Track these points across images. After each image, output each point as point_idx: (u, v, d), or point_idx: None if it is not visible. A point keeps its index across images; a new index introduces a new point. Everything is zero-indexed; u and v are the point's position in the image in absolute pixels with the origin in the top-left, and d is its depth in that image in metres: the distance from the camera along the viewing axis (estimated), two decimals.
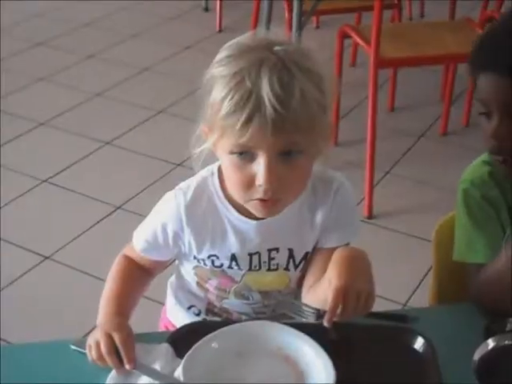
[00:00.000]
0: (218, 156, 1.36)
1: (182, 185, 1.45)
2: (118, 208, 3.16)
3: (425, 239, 2.90)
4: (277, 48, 1.26)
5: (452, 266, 1.60)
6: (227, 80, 1.25)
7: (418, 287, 2.71)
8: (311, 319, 1.30)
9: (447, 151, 3.63)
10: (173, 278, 1.62)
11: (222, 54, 1.31)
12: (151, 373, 1.28)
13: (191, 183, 1.44)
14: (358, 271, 1.28)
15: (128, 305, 1.47)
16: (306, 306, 1.33)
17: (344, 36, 3.40)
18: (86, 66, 4.42)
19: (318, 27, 4.79)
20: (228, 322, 1.42)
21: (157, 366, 1.29)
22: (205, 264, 1.47)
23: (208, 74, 1.31)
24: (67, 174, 3.41)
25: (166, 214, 1.44)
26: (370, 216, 3.09)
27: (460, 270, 1.54)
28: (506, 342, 1.12)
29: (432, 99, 4.02)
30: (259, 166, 1.27)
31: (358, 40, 3.24)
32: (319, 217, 1.44)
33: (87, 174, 3.43)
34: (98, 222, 3.07)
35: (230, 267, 1.46)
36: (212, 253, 1.45)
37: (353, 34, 3.31)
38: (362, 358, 1.27)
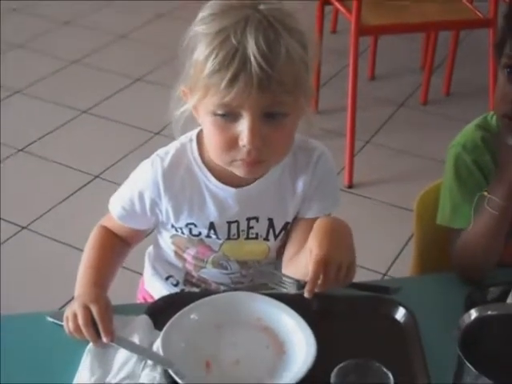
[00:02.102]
0: (200, 118, 1.33)
1: (160, 151, 1.42)
2: (96, 177, 3.12)
3: (405, 208, 2.90)
4: (261, 6, 1.23)
5: (433, 236, 1.60)
6: (211, 38, 1.22)
7: (398, 257, 2.71)
8: (292, 290, 1.29)
9: (427, 120, 3.62)
10: (150, 249, 1.60)
11: (204, 11, 1.28)
12: (129, 346, 1.26)
13: (169, 150, 1.41)
14: (339, 241, 1.27)
15: (106, 275, 1.45)
16: (287, 276, 1.32)
17: (325, 2, 3.36)
18: (62, 32, 4.36)
19: None
20: (206, 292, 1.40)
21: (135, 339, 1.27)
22: (182, 233, 1.45)
23: (190, 32, 1.28)
24: (43, 142, 3.37)
25: (143, 180, 1.42)
26: (351, 185, 3.08)
27: (441, 239, 1.53)
28: (489, 313, 1.11)
29: (412, 68, 4.00)
30: (243, 126, 1.24)
31: (339, 7, 3.20)
32: (300, 186, 1.42)
33: (64, 142, 3.39)
34: (76, 192, 3.03)
35: (208, 236, 1.44)
36: (190, 221, 1.43)
37: (334, 1, 3.26)
38: (343, 329, 1.26)
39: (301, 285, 1.27)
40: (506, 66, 1.37)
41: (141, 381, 1.19)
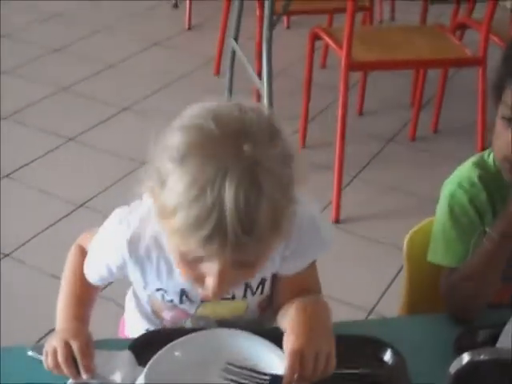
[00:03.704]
0: (163, 229, 1.19)
1: (127, 215, 1.33)
2: (80, 206, 3.09)
3: (392, 245, 2.89)
4: (246, 147, 1.08)
5: (424, 274, 1.59)
6: (185, 185, 1.07)
7: (384, 293, 2.68)
8: None
9: (416, 157, 3.61)
10: (131, 293, 1.53)
11: (181, 135, 1.11)
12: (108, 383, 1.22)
13: (135, 215, 1.31)
14: (315, 330, 1.24)
15: (86, 308, 1.41)
16: (259, 372, 1.23)
17: (315, 38, 3.37)
18: (51, 59, 4.33)
19: (288, 27, 4.76)
20: (192, 329, 1.36)
21: (117, 375, 1.24)
22: (156, 297, 1.40)
23: (164, 150, 1.12)
24: (28, 169, 3.34)
25: (108, 252, 1.35)
26: (338, 220, 3.06)
27: (432, 277, 1.51)
28: (482, 357, 1.09)
29: (401, 104, 4.01)
30: (209, 272, 1.14)
31: (330, 42, 3.20)
32: (278, 251, 1.30)
33: (48, 170, 3.35)
34: (59, 220, 3.00)
35: (181, 302, 1.38)
36: (159, 287, 1.37)
37: (324, 36, 3.27)
38: None
39: (277, 380, 1.20)
40: (507, 118, 1.36)
41: None
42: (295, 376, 1.18)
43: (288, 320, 1.26)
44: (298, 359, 1.18)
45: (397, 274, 2.72)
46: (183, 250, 1.14)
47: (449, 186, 1.49)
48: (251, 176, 1.06)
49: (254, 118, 1.12)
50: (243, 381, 1.22)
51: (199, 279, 1.19)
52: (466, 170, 1.49)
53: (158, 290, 1.37)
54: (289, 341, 1.22)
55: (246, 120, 1.11)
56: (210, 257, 1.12)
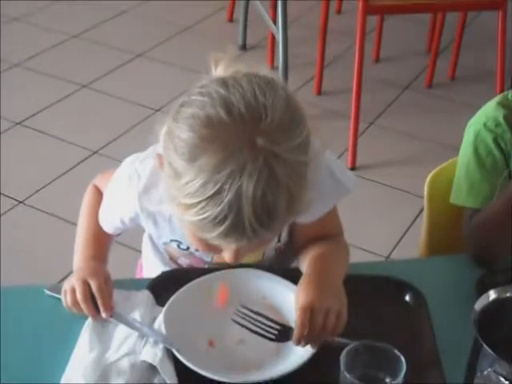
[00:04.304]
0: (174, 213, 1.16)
1: (138, 167, 1.29)
2: (95, 153, 3.07)
3: (408, 192, 2.87)
4: (260, 142, 1.01)
5: (444, 217, 1.56)
6: (200, 185, 1.02)
7: (401, 240, 2.67)
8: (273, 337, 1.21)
9: (432, 104, 3.57)
10: (147, 237, 1.49)
11: (190, 128, 1.04)
12: (128, 322, 1.22)
13: (147, 166, 1.27)
14: (326, 288, 1.22)
15: (104, 247, 1.41)
16: (272, 320, 1.23)
17: None
18: (63, 6, 4.28)
19: None
20: (212, 269, 1.35)
21: (136, 314, 1.23)
22: (171, 246, 1.38)
23: (173, 140, 1.06)
24: (42, 116, 3.31)
25: (120, 205, 1.33)
26: (354, 167, 3.03)
27: (453, 220, 1.49)
28: (508, 295, 1.07)
29: (418, 50, 3.95)
30: (226, 248, 1.12)
31: None
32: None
33: (63, 117, 3.33)
34: (75, 167, 2.99)
35: (196, 250, 1.35)
36: (173, 238, 1.35)
37: None
38: (351, 310, 1.21)
39: (286, 333, 1.20)
40: None
41: (141, 358, 1.16)
42: (305, 332, 1.16)
43: (301, 279, 1.25)
44: (308, 315, 1.17)
45: (413, 221, 2.70)
46: (199, 236, 1.10)
47: (473, 126, 1.46)
48: (269, 171, 1.01)
49: (269, 104, 1.04)
50: (254, 327, 1.21)
51: (215, 251, 1.17)
52: (490, 109, 1.46)
53: (172, 240, 1.36)
54: (299, 297, 1.20)
55: (261, 106, 1.03)
56: (225, 244, 1.10)
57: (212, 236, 1.06)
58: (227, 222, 1.02)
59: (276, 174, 1.02)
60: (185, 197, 1.04)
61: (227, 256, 1.14)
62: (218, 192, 1.01)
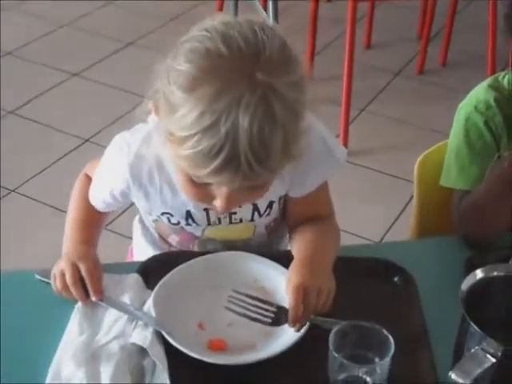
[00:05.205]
0: (169, 156, 1.16)
1: (128, 138, 1.29)
2: (86, 141, 3.07)
3: (399, 177, 2.88)
4: (259, 76, 1.02)
5: (434, 199, 1.57)
6: (197, 115, 1.02)
7: (392, 226, 2.67)
8: (269, 320, 1.20)
9: (423, 90, 3.57)
10: (137, 221, 1.53)
11: (190, 60, 1.05)
12: (118, 306, 1.22)
13: (137, 136, 1.28)
14: (317, 269, 1.23)
15: (94, 231, 1.41)
16: (267, 302, 1.22)
17: None
18: None
19: None
20: (201, 252, 1.35)
21: (126, 298, 1.23)
22: (162, 220, 1.38)
23: (171, 73, 1.07)
24: (33, 105, 3.31)
25: (111, 177, 1.33)
26: None
27: (442, 202, 1.49)
28: (496, 273, 1.07)
29: (409, 37, 3.95)
30: (218, 193, 1.13)
31: None
32: (287, 171, 1.24)
33: (54, 105, 3.33)
34: (66, 155, 2.99)
35: (187, 224, 1.36)
36: (164, 210, 1.34)
37: None
38: (340, 290, 1.22)
39: (281, 315, 1.19)
40: None
41: (131, 340, 1.16)
42: (300, 312, 1.16)
43: (293, 261, 1.26)
44: (301, 295, 1.17)
45: (405, 206, 2.71)
46: (192, 173, 1.11)
47: (464, 109, 1.46)
48: (265, 105, 1.02)
49: (267, 41, 1.05)
50: (249, 313, 1.21)
51: (206, 199, 1.17)
52: (481, 92, 1.46)
53: (163, 213, 1.35)
54: (291, 277, 1.21)
55: (259, 43, 1.05)
56: (220, 183, 1.10)
57: (207, 172, 1.05)
58: (222, 155, 1.02)
59: (273, 109, 1.02)
60: (181, 130, 1.04)
61: (219, 203, 1.13)
62: (215, 123, 1.01)
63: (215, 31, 1.06)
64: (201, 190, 1.15)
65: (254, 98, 1.01)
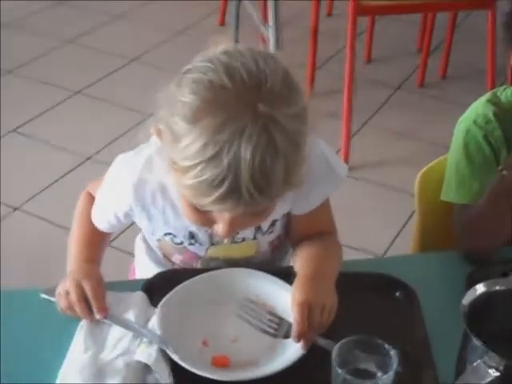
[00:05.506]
0: (172, 177, 1.15)
1: (131, 159, 1.31)
2: (88, 159, 3.09)
3: (402, 190, 2.88)
4: (261, 108, 1.04)
5: (435, 214, 1.57)
6: (200, 146, 1.03)
7: (394, 239, 2.68)
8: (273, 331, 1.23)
9: (424, 103, 3.59)
10: (140, 239, 1.53)
11: (194, 91, 1.06)
12: (122, 323, 1.23)
13: (140, 158, 1.28)
14: (320, 286, 1.24)
15: (97, 250, 1.41)
16: (272, 315, 1.25)
17: None
18: (56, 11, 4.29)
19: None
20: (204, 269, 1.36)
21: (130, 315, 1.24)
22: (165, 240, 1.39)
23: (174, 103, 1.08)
24: (35, 123, 3.32)
25: (114, 198, 1.34)
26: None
27: (443, 217, 1.50)
28: (497, 288, 1.08)
29: (409, 50, 3.97)
30: (221, 219, 1.14)
31: None
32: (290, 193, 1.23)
33: (56, 123, 3.34)
34: (68, 173, 3.00)
35: (190, 244, 1.37)
36: (167, 231, 1.36)
37: None
38: (343, 306, 1.23)
39: (285, 328, 1.22)
40: None
41: (136, 358, 1.16)
42: (305, 328, 1.17)
43: (294, 281, 1.27)
44: (306, 311, 1.19)
45: (407, 220, 2.71)
46: (195, 201, 1.12)
47: (463, 123, 1.47)
48: (267, 136, 1.03)
49: (269, 72, 1.06)
50: (254, 320, 1.23)
51: (208, 224, 1.18)
52: (480, 106, 1.47)
53: (166, 234, 1.37)
54: (295, 294, 1.22)
55: (261, 74, 1.06)
56: (222, 210, 1.11)
57: (209, 201, 1.07)
58: (225, 185, 1.04)
59: (274, 140, 1.04)
60: (184, 159, 1.06)
61: (221, 228, 1.15)
62: (218, 153, 1.03)
63: (218, 62, 1.08)
64: (203, 216, 1.16)
65: (256, 129, 1.03)
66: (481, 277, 1.22)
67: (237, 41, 3.87)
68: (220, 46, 1.13)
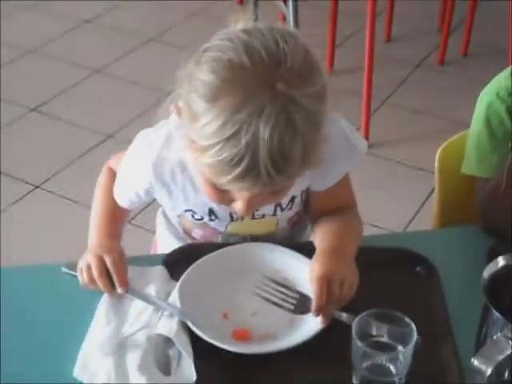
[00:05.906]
0: (190, 157, 1.18)
1: (150, 137, 1.31)
2: (109, 137, 3.10)
3: (421, 168, 2.88)
4: (280, 86, 1.03)
5: (455, 189, 1.57)
6: (219, 126, 1.03)
7: (415, 216, 2.67)
8: (291, 307, 1.23)
9: (444, 81, 3.57)
10: (161, 214, 1.53)
11: (213, 70, 1.06)
12: (143, 297, 1.24)
13: (159, 135, 1.28)
14: (340, 261, 1.24)
15: (118, 225, 1.42)
16: (291, 289, 1.25)
17: None
18: None
19: None
20: (224, 243, 1.37)
21: (151, 289, 1.25)
22: (185, 216, 1.39)
23: (193, 81, 1.08)
24: (56, 102, 3.34)
25: (134, 176, 1.34)
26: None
27: (464, 192, 1.49)
28: None
29: (429, 29, 3.94)
30: (239, 197, 1.15)
31: None
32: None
33: (77, 102, 3.36)
34: (88, 151, 3.01)
35: (210, 220, 1.37)
36: (187, 208, 1.36)
37: None
38: (363, 280, 1.23)
39: (304, 303, 1.22)
40: None
41: (157, 331, 1.17)
42: (324, 301, 1.18)
43: (316, 251, 1.27)
44: (325, 285, 1.19)
45: (427, 197, 2.71)
46: (214, 179, 1.12)
47: (486, 96, 1.46)
48: (286, 116, 1.03)
49: (289, 52, 1.06)
50: (272, 297, 1.23)
51: (227, 201, 1.19)
52: (503, 79, 1.45)
53: (186, 210, 1.37)
54: (315, 268, 1.22)
55: (281, 53, 1.05)
56: (240, 189, 1.12)
57: (227, 179, 1.07)
58: (243, 164, 1.04)
59: (293, 119, 1.03)
60: (202, 139, 1.06)
61: (239, 206, 1.16)
62: (236, 133, 1.02)
63: (238, 41, 1.07)
64: (222, 194, 1.17)
65: (275, 108, 1.03)
66: (503, 250, 1.21)
67: (256, 18, 3.85)
68: (239, 23, 1.12)
